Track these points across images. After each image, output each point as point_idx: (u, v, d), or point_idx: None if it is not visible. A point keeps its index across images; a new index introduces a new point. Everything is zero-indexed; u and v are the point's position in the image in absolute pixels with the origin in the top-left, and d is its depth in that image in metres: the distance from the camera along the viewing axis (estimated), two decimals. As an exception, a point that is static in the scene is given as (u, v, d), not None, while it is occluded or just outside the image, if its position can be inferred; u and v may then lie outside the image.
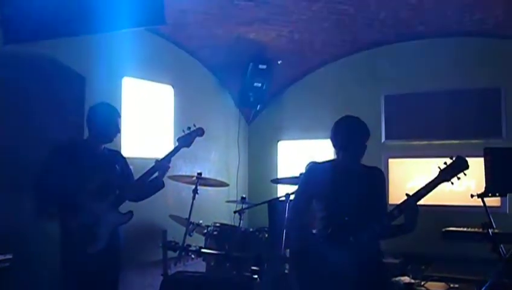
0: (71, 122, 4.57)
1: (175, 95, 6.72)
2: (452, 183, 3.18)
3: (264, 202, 5.15)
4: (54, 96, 5.21)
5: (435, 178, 3.19)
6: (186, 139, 4.19)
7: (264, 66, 7.10)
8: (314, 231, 3.43)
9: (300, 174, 4.23)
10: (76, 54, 5.19)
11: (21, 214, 4.41)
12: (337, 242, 3.20)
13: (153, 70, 6.33)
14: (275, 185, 6.98)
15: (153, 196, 4.17)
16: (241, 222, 5.06)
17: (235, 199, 6.50)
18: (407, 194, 3.16)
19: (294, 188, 4.20)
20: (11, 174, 4.95)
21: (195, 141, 4.22)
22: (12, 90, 4.95)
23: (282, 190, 5.70)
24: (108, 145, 4.03)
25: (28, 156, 4.94)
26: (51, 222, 3.81)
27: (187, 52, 6.89)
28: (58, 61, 5.13)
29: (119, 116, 3.99)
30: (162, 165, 4.03)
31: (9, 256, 4.14)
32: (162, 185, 4.13)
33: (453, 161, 3.17)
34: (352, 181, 3.31)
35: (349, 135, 3.36)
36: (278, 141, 7.98)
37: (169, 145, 6.25)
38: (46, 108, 5.20)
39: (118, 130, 3.95)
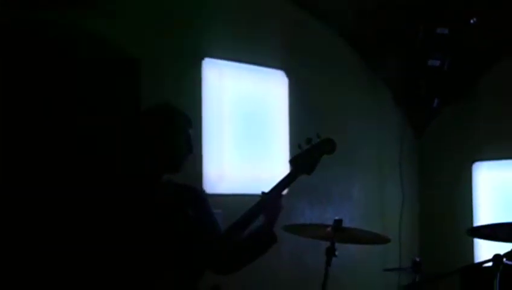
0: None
1: (290, 86, 5.85)
2: None
3: (453, 272, 3.97)
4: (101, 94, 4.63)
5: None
6: (305, 159, 3.33)
7: (445, 30, 5.87)
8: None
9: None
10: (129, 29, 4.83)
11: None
12: None
13: (252, 46, 5.52)
14: (471, 239, 6.00)
15: (255, 262, 3.60)
16: (414, 306, 4.78)
17: (399, 264, 5.89)
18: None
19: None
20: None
21: (321, 163, 3.44)
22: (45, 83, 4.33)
23: (486, 248, 5.20)
24: (175, 178, 3.55)
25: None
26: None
27: (310, 14, 5.95)
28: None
29: (191, 126, 3.39)
30: (270, 201, 3.28)
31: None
32: (274, 239, 3.36)
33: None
34: None
35: None
36: (472, 163, 6.53)
37: (283, 171, 5.69)
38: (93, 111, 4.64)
39: (190, 150, 3.36)
